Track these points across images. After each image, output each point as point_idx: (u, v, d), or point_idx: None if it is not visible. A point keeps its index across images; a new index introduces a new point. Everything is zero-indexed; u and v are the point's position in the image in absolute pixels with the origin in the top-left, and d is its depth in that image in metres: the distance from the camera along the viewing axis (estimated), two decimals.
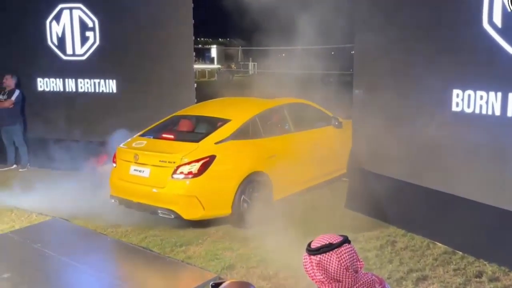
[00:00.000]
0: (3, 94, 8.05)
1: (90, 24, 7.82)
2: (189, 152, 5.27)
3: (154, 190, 5.28)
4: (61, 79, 8.12)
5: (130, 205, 5.53)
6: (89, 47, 7.90)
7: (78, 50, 7.96)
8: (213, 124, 5.83)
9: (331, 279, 1.80)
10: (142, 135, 5.97)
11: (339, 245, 1.81)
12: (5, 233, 5.32)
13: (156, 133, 5.96)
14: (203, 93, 8.90)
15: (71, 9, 7.88)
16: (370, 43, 5.62)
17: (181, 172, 5.16)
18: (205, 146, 5.37)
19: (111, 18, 7.72)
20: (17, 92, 8.06)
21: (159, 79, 7.50)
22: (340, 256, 1.80)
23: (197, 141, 5.46)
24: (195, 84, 7.59)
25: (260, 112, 6.09)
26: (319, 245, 1.83)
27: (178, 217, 5.21)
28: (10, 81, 8.06)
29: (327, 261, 1.79)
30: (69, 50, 8.00)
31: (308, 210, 5.88)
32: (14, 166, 8.27)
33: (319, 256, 1.81)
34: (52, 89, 8.20)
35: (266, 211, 5.52)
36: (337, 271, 1.79)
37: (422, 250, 4.73)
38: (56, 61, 8.05)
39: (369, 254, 4.60)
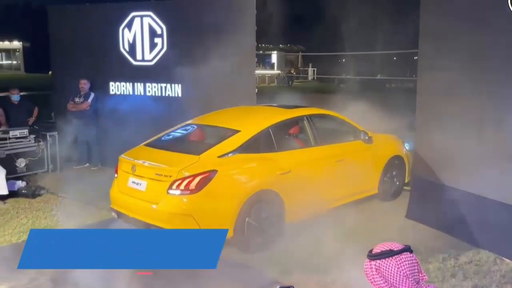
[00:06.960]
0: (80, 97, 8.64)
1: (159, 31, 8.20)
2: (188, 165, 4.77)
3: (150, 205, 4.84)
4: (130, 83, 8.58)
5: (127, 220, 5.09)
6: (157, 53, 8.27)
7: (147, 55, 8.37)
8: (222, 135, 5.30)
9: (391, 286, 1.83)
10: (147, 145, 5.60)
11: (399, 252, 1.84)
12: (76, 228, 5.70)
13: (160, 142, 5.58)
14: (263, 98, 9.03)
15: (142, 17, 8.31)
16: (436, 48, 5.46)
17: (178, 188, 4.67)
18: (206, 160, 4.87)
19: (178, 25, 8.04)
20: (92, 95, 8.62)
21: (222, 84, 7.69)
22: (399, 263, 1.82)
23: (199, 153, 4.96)
24: (256, 89, 7.73)
25: (275, 123, 5.50)
26: (379, 251, 1.86)
27: None
28: (86, 85, 8.64)
29: (385, 267, 1.83)
30: (138, 56, 8.43)
31: (367, 219, 5.79)
32: (87, 164, 8.78)
33: (378, 261, 1.85)
34: (122, 93, 8.70)
35: (276, 233, 5.10)
36: (395, 278, 1.81)
37: (488, 265, 4.53)
38: (127, 66, 8.50)
39: (431, 266, 4.48)
